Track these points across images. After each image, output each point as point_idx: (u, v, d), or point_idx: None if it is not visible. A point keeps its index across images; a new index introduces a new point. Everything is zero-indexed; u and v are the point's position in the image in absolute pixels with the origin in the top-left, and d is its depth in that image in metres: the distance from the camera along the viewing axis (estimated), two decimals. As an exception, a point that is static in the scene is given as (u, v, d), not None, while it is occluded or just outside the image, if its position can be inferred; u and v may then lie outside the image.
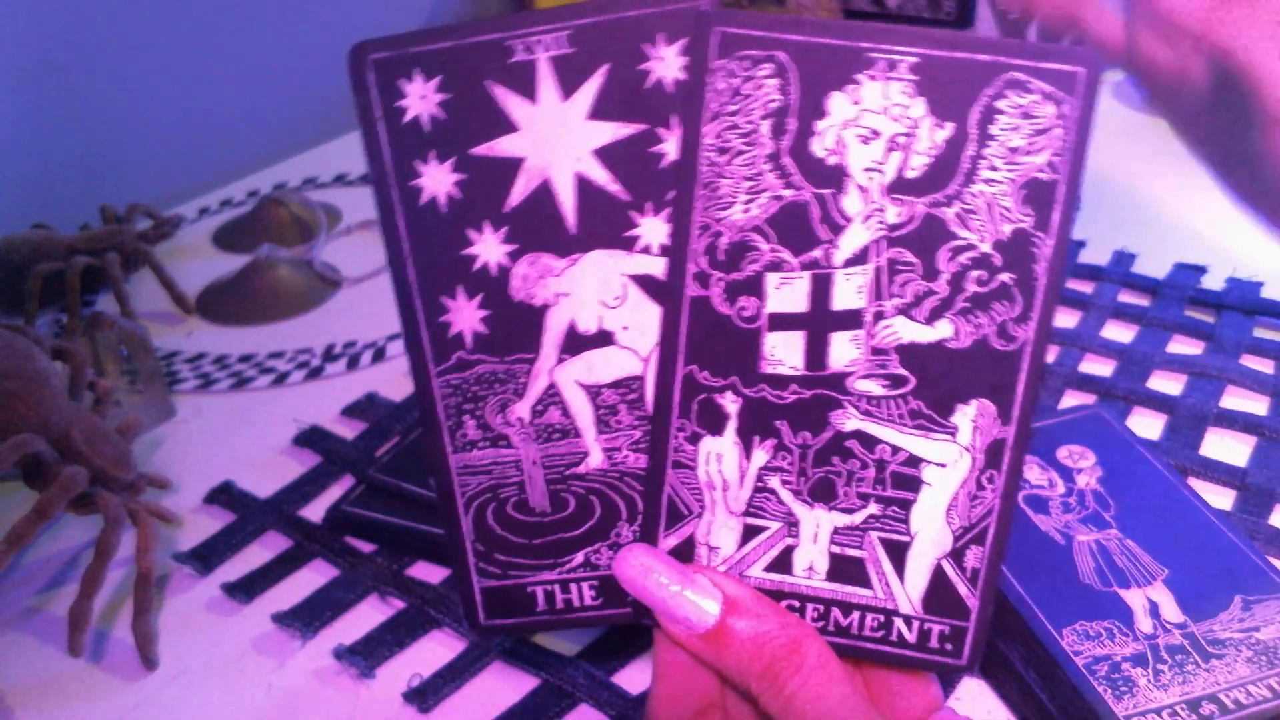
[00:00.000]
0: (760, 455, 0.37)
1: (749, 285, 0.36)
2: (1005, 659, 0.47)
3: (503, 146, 0.37)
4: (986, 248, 0.36)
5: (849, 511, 0.37)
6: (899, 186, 0.36)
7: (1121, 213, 0.87)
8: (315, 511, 0.62)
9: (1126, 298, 0.77)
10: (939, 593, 0.37)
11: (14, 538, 0.51)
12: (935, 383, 0.36)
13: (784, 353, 0.36)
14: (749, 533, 0.37)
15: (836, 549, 0.37)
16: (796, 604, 0.37)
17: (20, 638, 0.56)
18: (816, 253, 0.36)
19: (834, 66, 0.35)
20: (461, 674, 0.51)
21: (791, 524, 0.37)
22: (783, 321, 0.36)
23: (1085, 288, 0.78)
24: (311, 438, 0.68)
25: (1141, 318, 0.74)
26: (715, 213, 0.36)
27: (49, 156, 0.99)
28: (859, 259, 0.36)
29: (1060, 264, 0.35)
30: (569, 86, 0.37)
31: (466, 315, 0.38)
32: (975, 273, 0.36)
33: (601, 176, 0.37)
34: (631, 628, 0.40)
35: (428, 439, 0.39)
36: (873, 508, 0.37)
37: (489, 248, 0.38)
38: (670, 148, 0.37)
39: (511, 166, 0.37)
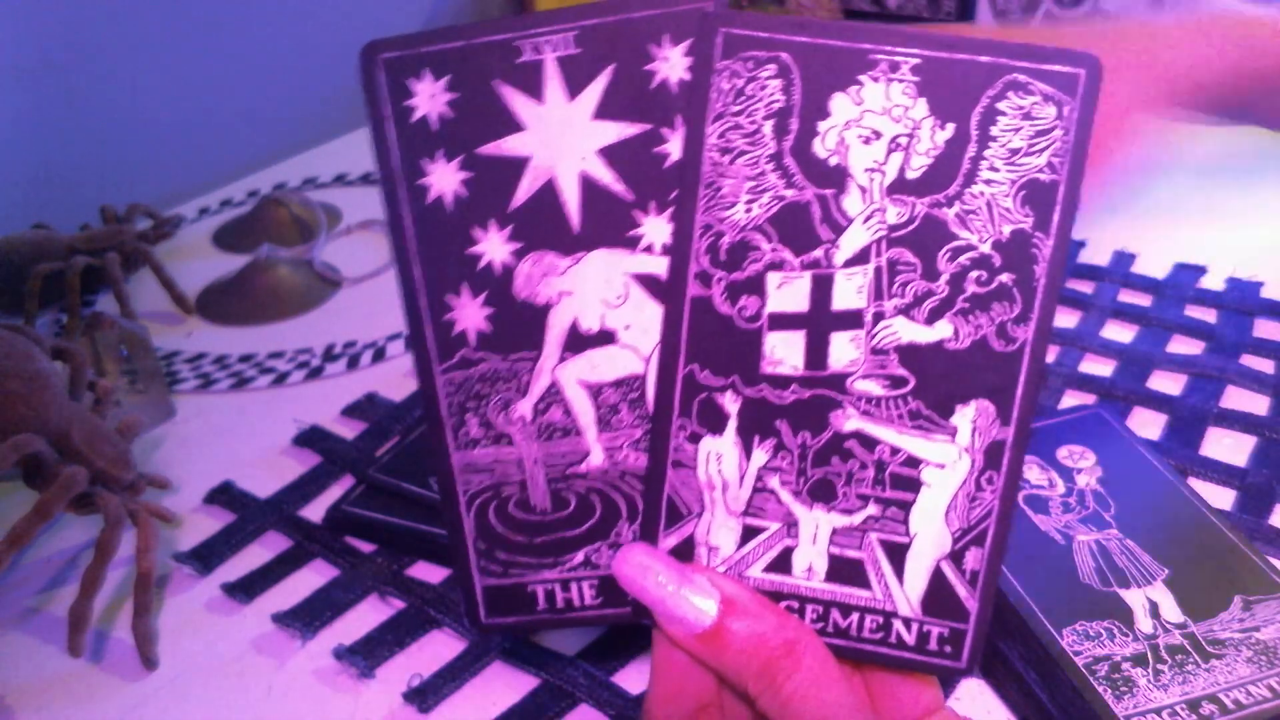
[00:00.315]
0: (760, 455, 0.37)
1: (750, 285, 0.36)
2: (1005, 659, 0.47)
3: (509, 146, 0.37)
4: (986, 248, 0.36)
5: (848, 512, 0.37)
6: (900, 187, 0.36)
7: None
8: (315, 511, 0.62)
9: (1126, 298, 0.77)
10: (938, 594, 0.37)
11: (14, 538, 0.51)
12: (935, 383, 0.36)
13: (784, 352, 0.37)
14: (748, 533, 0.37)
15: (836, 550, 0.37)
16: (796, 605, 0.37)
17: (20, 638, 0.56)
18: (817, 253, 0.36)
19: (836, 68, 0.35)
20: (461, 674, 0.51)
21: (791, 524, 0.37)
22: (783, 321, 0.36)
23: (1085, 288, 0.78)
24: (311, 438, 0.68)
25: (1141, 318, 0.74)
26: (717, 212, 0.36)
27: (49, 156, 0.99)
28: (859, 259, 0.36)
29: (1060, 265, 0.36)
30: (575, 86, 0.37)
31: (471, 313, 0.38)
32: (975, 273, 0.36)
33: (606, 176, 0.37)
34: (631, 627, 0.40)
35: (431, 437, 0.39)
36: (872, 509, 0.37)
37: (494, 246, 0.38)
38: (674, 148, 0.37)
39: (517, 166, 0.37)
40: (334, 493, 0.64)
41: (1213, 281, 0.78)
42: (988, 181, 0.35)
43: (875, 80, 0.35)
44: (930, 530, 0.37)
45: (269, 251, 0.89)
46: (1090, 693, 0.44)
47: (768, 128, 0.36)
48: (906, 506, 0.37)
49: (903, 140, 0.35)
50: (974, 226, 0.36)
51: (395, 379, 0.75)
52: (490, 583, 0.39)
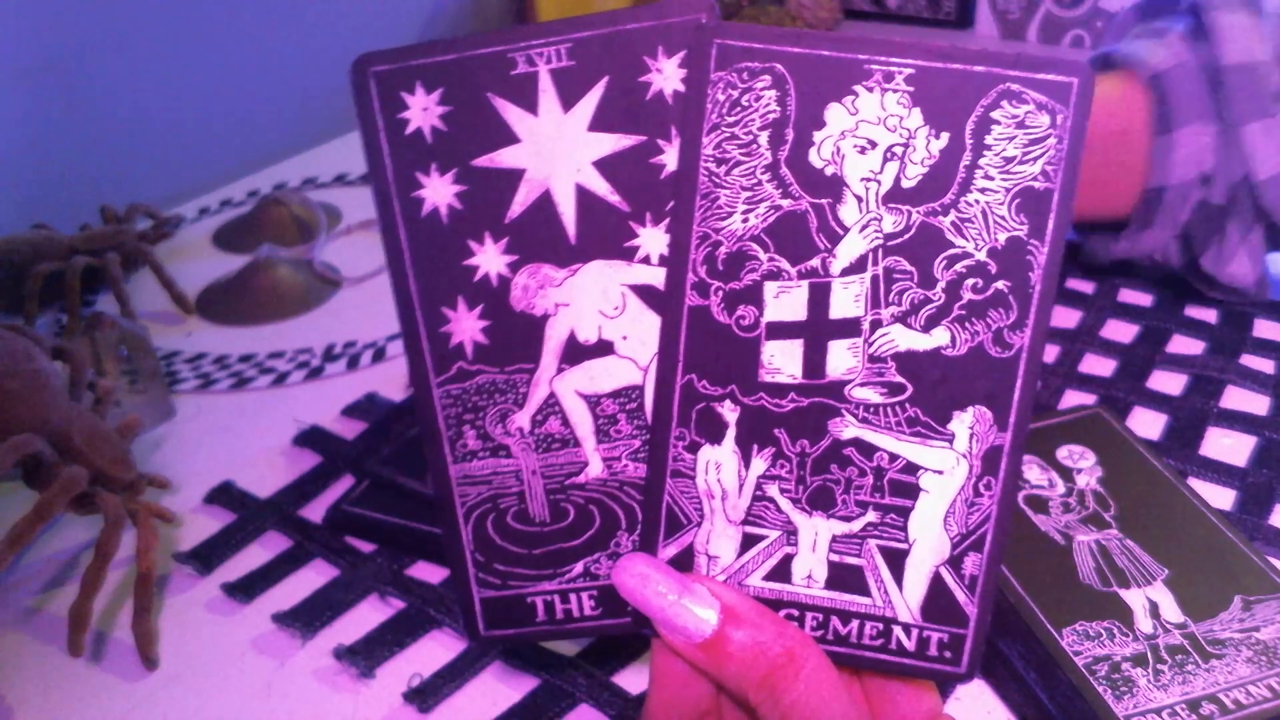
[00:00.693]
0: (759, 464, 0.37)
1: (747, 294, 0.37)
2: (1005, 659, 0.48)
3: (504, 158, 0.37)
4: (982, 256, 0.36)
5: (847, 519, 0.37)
6: (895, 196, 0.36)
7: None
8: (315, 511, 0.62)
9: (1127, 297, 0.77)
10: (937, 600, 0.37)
11: (14, 538, 0.51)
12: (932, 390, 0.36)
13: (782, 361, 0.37)
14: (748, 541, 0.37)
15: (835, 557, 0.37)
16: (796, 613, 0.37)
17: (20, 638, 0.56)
18: (814, 262, 0.36)
19: (831, 78, 0.35)
20: (461, 674, 0.51)
21: (790, 532, 0.37)
22: (781, 330, 0.37)
23: (1085, 287, 0.78)
24: (311, 438, 0.68)
25: (1141, 317, 0.74)
26: (714, 223, 0.36)
27: (49, 156, 0.99)
28: (856, 268, 0.36)
29: (1055, 271, 0.36)
30: (570, 98, 0.37)
31: (467, 325, 0.38)
32: (971, 280, 0.36)
33: (601, 187, 0.37)
34: (631, 631, 0.40)
35: (427, 449, 0.39)
36: (871, 515, 0.37)
37: (490, 258, 0.38)
38: (670, 159, 0.37)
39: (512, 178, 0.37)
40: (334, 493, 0.64)
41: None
42: (983, 190, 0.35)
43: (870, 90, 0.35)
44: (929, 536, 0.37)
45: (269, 251, 0.89)
46: (1090, 693, 0.44)
47: (763, 138, 0.36)
48: (905, 513, 0.37)
49: (898, 149, 0.35)
50: (969, 234, 0.36)
51: (395, 379, 0.75)
52: (489, 595, 0.39)
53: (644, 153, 0.37)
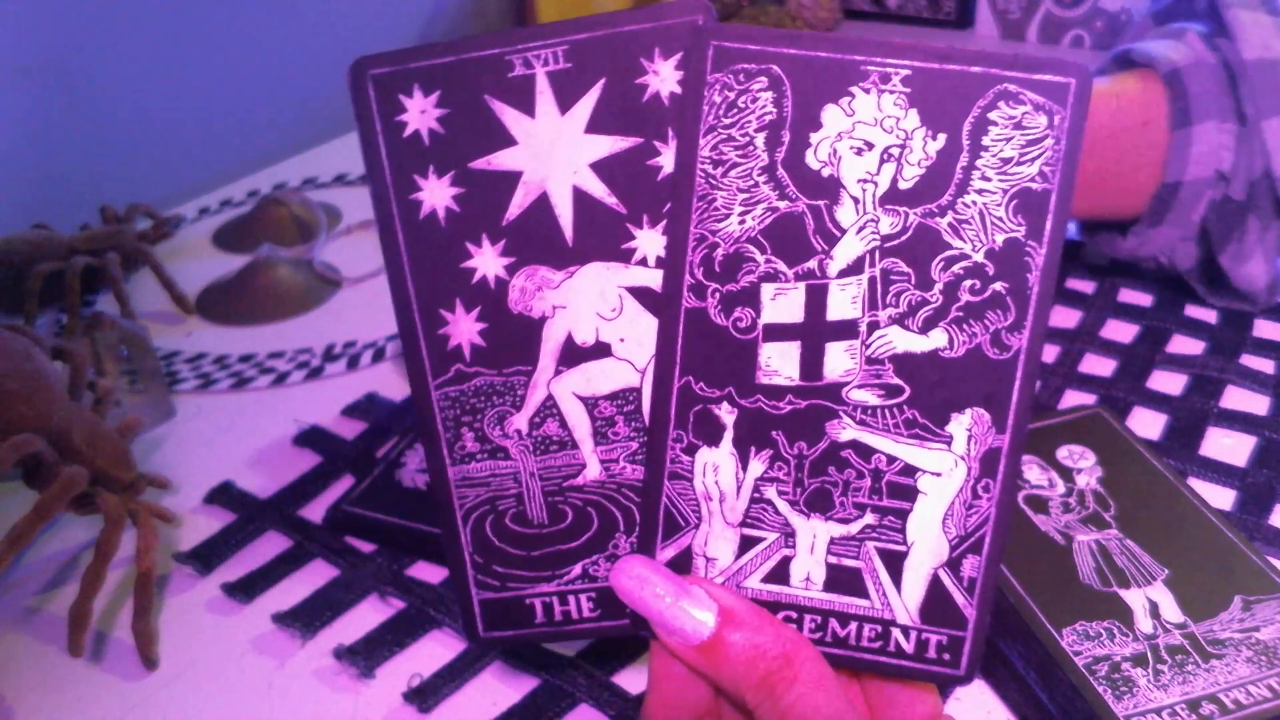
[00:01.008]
0: (757, 466, 0.37)
1: (745, 296, 0.37)
2: (1005, 659, 0.47)
3: (501, 160, 0.37)
4: (979, 257, 0.36)
5: (845, 521, 0.37)
6: (892, 197, 0.36)
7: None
8: (315, 511, 0.62)
9: (1126, 297, 0.77)
10: (936, 602, 0.37)
11: (14, 538, 0.51)
12: (930, 392, 0.36)
13: (780, 363, 0.37)
14: (746, 544, 0.37)
15: (833, 559, 0.37)
16: (794, 615, 0.37)
17: (20, 638, 0.56)
18: (811, 264, 0.36)
19: (828, 79, 0.35)
20: (461, 674, 0.51)
21: (788, 535, 0.37)
22: (778, 332, 0.36)
23: (1085, 287, 0.78)
24: (311, 438, 0.68)
25: (1141, 317, 0.74)
26: (711, 225, 0.36)
27: (49, 156, 0.99)
28: (853, 269, 0.36)
29: (1053, 272, 0.36)
30: (566, 101, 0.37)
31: (465, 328, 0.38)
32: (968, 282, 0.36)
33: (598, 189, 0.37)
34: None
35: (426, 451, 0.39)
36: (869, 517, 0.37)
37: (487, 261, 0.38)
38: (666, 161, 0.37)
39: (510, 180, 0.37)
40: (334, 493, 0.64)
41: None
42: (980, 191, 0.35)
43: (867, 91, 0.35)
44: (927, 538, 0.37)
45: (269, 251, 0.89)
46: (1090, 693, 0.44)
47: (760, 140, 0.36)
48: (903, 515, 0.37)
49: (895, 151, 0.35)
50: (967, 236, 0.36)
51: (395, 379, 0.75)
52: (487, 596, 0.39)
53: (641, 155, 0.37)
